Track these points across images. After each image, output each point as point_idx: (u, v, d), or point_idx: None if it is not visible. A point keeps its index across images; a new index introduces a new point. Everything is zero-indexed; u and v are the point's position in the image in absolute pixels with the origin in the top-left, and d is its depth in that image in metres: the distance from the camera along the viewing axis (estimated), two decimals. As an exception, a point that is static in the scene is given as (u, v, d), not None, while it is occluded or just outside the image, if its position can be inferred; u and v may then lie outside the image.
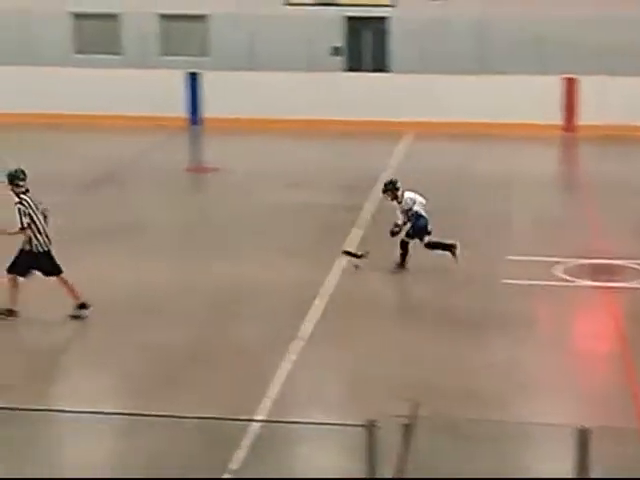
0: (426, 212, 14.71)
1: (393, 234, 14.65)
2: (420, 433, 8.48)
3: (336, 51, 27.85)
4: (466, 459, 9.07)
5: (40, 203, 12.68)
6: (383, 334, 12.45)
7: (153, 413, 9.96)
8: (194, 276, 14.58)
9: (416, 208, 14.55)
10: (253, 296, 13.82)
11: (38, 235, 12.56)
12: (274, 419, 9.98)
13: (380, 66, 27.85)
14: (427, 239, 14.71)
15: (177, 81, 26.22)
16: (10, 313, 12.75)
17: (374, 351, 11.88)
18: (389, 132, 25.00)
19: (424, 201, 14.73)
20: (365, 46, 28.11)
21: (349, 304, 13.49)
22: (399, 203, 14.69)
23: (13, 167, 12.84)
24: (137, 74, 26.36)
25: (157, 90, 25.80)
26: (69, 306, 12.77)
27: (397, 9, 27.50)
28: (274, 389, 10.73)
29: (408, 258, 14.72)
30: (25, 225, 12.44)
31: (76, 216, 17.77)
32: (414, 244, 14.76)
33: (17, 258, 12.71)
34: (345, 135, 25.04)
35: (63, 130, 25.17)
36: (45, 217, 12.68)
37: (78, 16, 27.56)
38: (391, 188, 14.73)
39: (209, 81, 26.23)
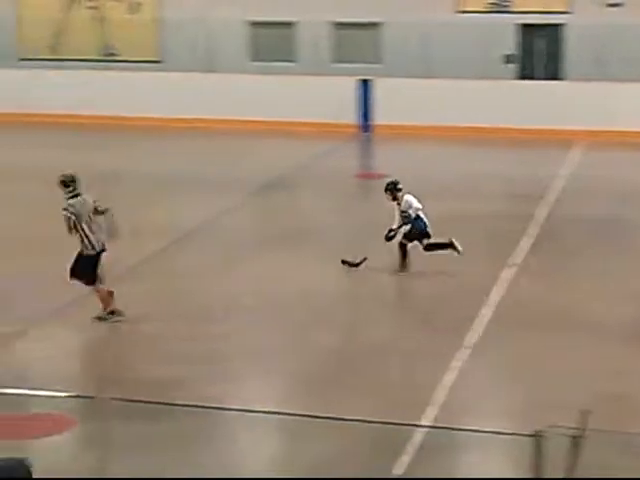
0: (425, 216, 14.75)
1: (388, 239, 14.81)
2: (589, 446, 8.34)
3: (509, 59, 27.58)
4: (634, 476, 8.88)
5: (95, 201, 12.86)
6: (550, 344, 12.28)
7: (320, 415, 10.11)
8: (360, 281, 14.69)
9: (411, 212, 14.64)
10: (419, 303, 13.83)
11: (89, 237, 12.71)
12: (439, 425, 9.98)
13: (553, 74, 27.44)
14: (425, 242, 14.75)
15: (349, 88, 26.44)
16: (113, 313, 12.92)
17: (540, 361, 11.74)
18: (561, 140, 24.63)
19: (420, 206, 14.78)
20: (538, 53, 27.75)
21: (516, 313, 13.35)
22: (398, 204, 14.76)
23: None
24: (310, 81, 26.72)
25: (329, 97, 26.09)
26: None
27: (573, 15, 27.05)
28: (439, 396, 10.72)
29: (408, 260, 14.73)
30: (69, 229, 12.62)
31: (248, 219, 18.17)
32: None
33: (76, 262, 12.86)
34: (516, 143, 24.80)
35: (237, 135, 25.70)
36: (101, 213, 12.82)
37: (255, 24, 28.10)
38: (391, 188, 14.83)
39: (381, 88, 26.36)
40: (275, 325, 13.00)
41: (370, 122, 26.60)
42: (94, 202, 12.90)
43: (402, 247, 14.83)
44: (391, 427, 9.86)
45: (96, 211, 12.87)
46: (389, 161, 23.64)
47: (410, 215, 14.67)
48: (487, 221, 17.97)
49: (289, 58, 28.04)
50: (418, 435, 9.69)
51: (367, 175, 22.59)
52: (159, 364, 11.68)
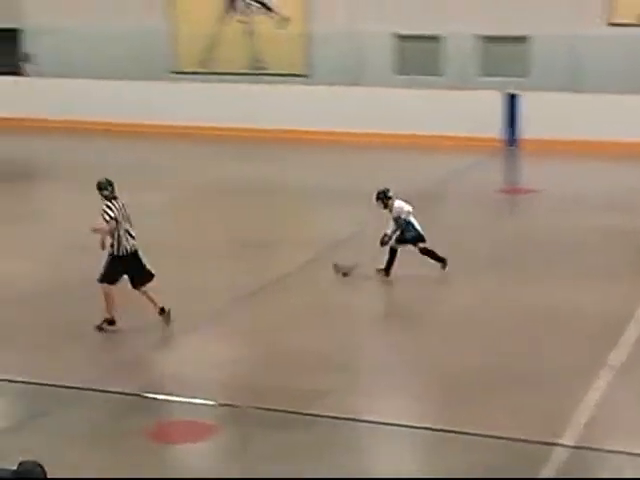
0: (416, 220, 15.17)
1: (383, 244, 15.18)
2: None
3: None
4: None
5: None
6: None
7: (456, 430, 10.11)
8: (504, 297, 14.61)
9: (403, 216, 15.04)
10: (564, 319, 13.68)
11: (123, 240, 13.04)
12: (580, 445, 9.86)
13: None
14: (422, 245, 15.18)
15: (495, 102, 26.29)
16: (110, 323, 13.15)
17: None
18: None
19: (410, 209, 15.17)
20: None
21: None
22: (390, 212, 15.17)
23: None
24: (456, 95, 26.66)
25: (474, 111, 25.99)
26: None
27: None
28: (581, 416, 10.58)
29: (393, 266, 15.07)
30: (107, 219, 12.92)
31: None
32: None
33: (108, 264, 13.14)
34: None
35: (381, 149, 25.81)
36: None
37: (402, 38, 28.19)
38: (382, 197, 15.27)
39: (528, 102, 26.12)
40: (411, 340, 13.04)
41: (516, 136, 26.38)
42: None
43: (392, 251, 15.22)
44: (531, 445, 9.80)
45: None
46: (535, 176, 23.42)
47: (402, 220, 15.10)
48: (635, 236, 17.61)
49: (435, 72, 28.02)
50: (558, 454, 9.60)
51: (512, 190, 22.41)
52: (300, 375, 11.85)
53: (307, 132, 26.94)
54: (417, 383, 11.76)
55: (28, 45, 30.80)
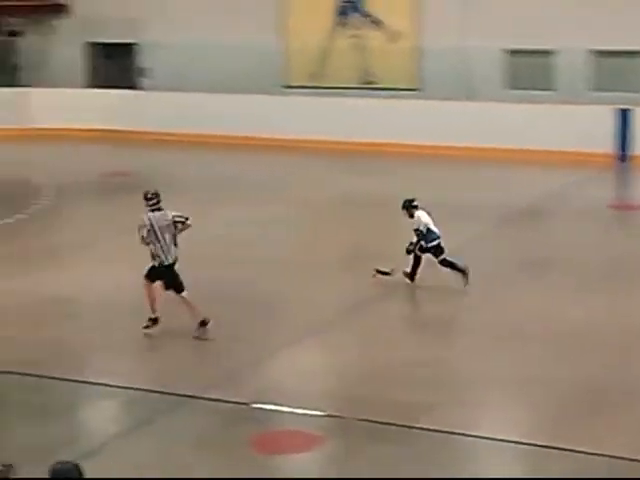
0: (437, 230, 15.43)
1: (408, 252, 15.55)
2: None
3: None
4: None
5: (175, 216, 13.56)
6: None
7: (567, 447, 10.06)
8: (614, 313, 14.47)
9: (421, 227, 15.36)
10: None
11: (159, 251, 13.38)
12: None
13: None
14: (442, 257, 15.42)
15: (607, 117, 26.00)
16: (153, 322, 13.57)
17: None
18: None
19: (429, 220, 15.46)
20: None
21: None
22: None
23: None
24: (567, 109, 26.43)
25: (586, 126, 25.74)
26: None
27: None
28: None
29: (418, 271, 15.43)
30: (140, 238, 13.38)
31: (497, 247, 18.22)
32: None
33: (149, 269, 13.59)
34: None
35: (491, 163, 25.72)
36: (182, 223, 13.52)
37: (513, 52, 28.06)
38: (407, 206, 15.64)
39: (640, 117, 25.80)
40: (518, 354, 13.01)
41: (628, 152, 26.03)
42: (174, 216, 13.61)
43: (416, 258, 15.57)
44: (637, 464, 9.72)
45: (176, 225, 13.56)
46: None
47: (421, 230, 15.41)
48: None
49: (546, 86, 27.81)
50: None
51: (622, 206, 22.14)
52: (404, 387, 11.92)
53: (416, 146, 26.99)
54: (524, 398, 11.74)
55: (144, 59, 31.51)
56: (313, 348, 13.53)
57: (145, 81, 31.48)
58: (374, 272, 15.78)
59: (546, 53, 27.76)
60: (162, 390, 11.74)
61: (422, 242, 15.47)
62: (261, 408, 11.34)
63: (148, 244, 13.54)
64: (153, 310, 13.68)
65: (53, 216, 20.76)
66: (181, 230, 13.73)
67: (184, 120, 29.13)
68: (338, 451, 10.50)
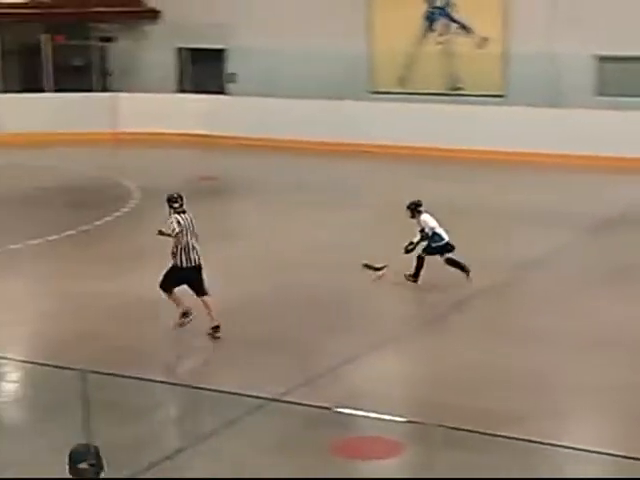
0: (445, 232, 15.91)
1: (407, 251, 15.97)
2: None
3: None
4: None
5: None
6: None
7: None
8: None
9: (427, 230, 15.84)
10: None
11: (184, 252, 13.67)
12: None
13: None
14: (447, 255, 15.89)
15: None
16: (185, 315, 13.92)
17: None
18: None
19: (436, 224, 15.91)
20: None
21: None
22: (418, 223, 16.03)
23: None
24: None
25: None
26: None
27: None
28: None
29: (421, 273, 15.83)
30: (174, 233, 13.68)
31: (585, 255, 18.04)
32: None
33: (168, 272, 13.84)
34: None
35: (578, 170, 25.47)
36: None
37: (603, 59, 27.75)
38: (412, 208, 16.14)
39: None
40: (604, 363, 12.88)
41: None
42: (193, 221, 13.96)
43: (419, 259, 15.94)
44: None
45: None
46: None
47: (427, 233, 15.89)
48: None
49: (638, 93, 27.43)
50: None
51: None
52: (484, 394, 11.89)
53: (502, 153, 26.83)
54: (611, 407, 11.62)
55: (232, 65, 31.82)
56: (392, 354, 13.56)
57: (232, 86, 31.79)
58: (363, 266, 16.21)
59: (637, 59, 27.39)
60: (245, 393, 11.86)
61: (430, 243, 15.88)
62: (342, 412, 11.39)
63: (178, 245, 13.82)
64: (181, 305, 14.03)
65: (140, 219, 21.08)
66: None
67: (271, 125, 29.34)
68: (419, 458, 10.51)
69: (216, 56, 31.89)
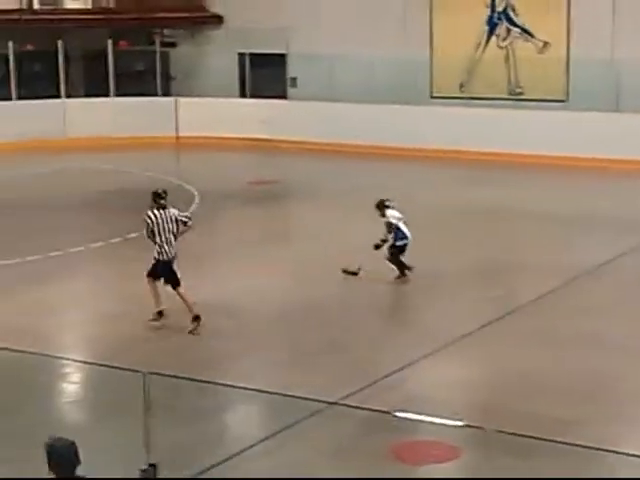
0: (406, 227, 16.32)
1: (377, 247, 16.36)
2: None
3: None
4: None
5: (181, 214, 14.82)
6: None
7: None
8: None
9: (393, 222, 16.30)
10: None
11: (161, 246, 14.51)
12: None
13: None
14: (401, 257, 16.35)
15: None
16: (159, 314, 14.62)
17: None
18: None
19: (401, 216, 16.42)
20: None
21: None
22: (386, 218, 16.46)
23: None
24: None
25: None
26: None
27: None
28: None
29: (404, 267, 16.29)
30: (146, 235, 14.65)
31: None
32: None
33: (153, 265, 14.70)
34: None
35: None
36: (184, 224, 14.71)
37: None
38: (379, 205, 16.60)
39: None
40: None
41: None
42: (180, 215, 14.81)
43: (394, 260, 16.40)
44: None
45: (178, 223, 14.69)
46: None
47: (392, 223, 16.34)
48: None
49: None
50: None
51: None
52: (544, 400, 11.85)
53: (564, 158, 26.67)
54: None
55: (293, 69, 31.96)
56: (451, 358, 13.55)
57: (293, 91, 31.92)
58: (342, 273, 16.53)
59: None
60: (305, 396, 11.92)
61: (394, 241, 16.30)
62: (401, 417, 11.40)
63: (153, 240, 14.63)
64: (158, 304, 14.65)
65: (200, 222, 21.19)
66: (183, 232, 14.83)
67: (330, 130, 29.42)
68: (477, 463, 10.50)
69: (277, 61, 32.05)
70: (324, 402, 11.77)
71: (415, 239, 17.81)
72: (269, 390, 12.20)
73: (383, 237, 16.43)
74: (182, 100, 31.76)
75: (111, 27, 33.08)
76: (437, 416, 11.28)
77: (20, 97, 31.24)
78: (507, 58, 29.50)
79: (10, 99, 31.30)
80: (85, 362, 13.47)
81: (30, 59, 32.19)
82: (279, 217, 22.75)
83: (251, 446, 10.93)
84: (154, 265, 14.75)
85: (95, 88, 32.53)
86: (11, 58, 31.12)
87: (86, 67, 33.95)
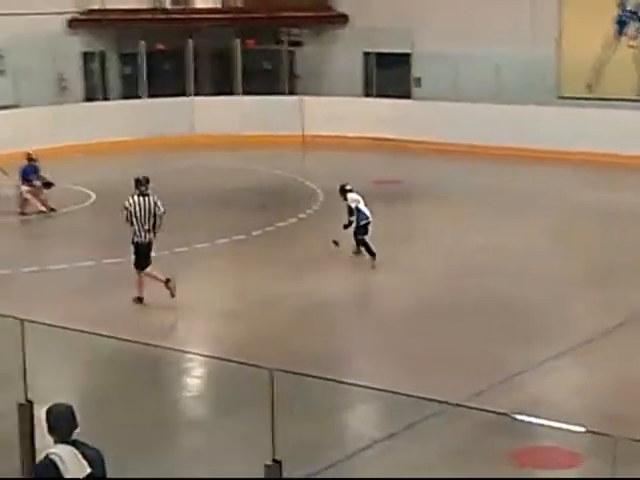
0: (366, 208, 17.80)
1: (345, 227, 17.98)
2: None
3: None
4: None
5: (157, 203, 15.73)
6: None
7: None
8: None
9: (353, 205, 17.84)
10: None
11: (138, 230, 15.59)
12: None
13: None
14: (364, 237, 17.70)
15: None
16: (139, 300, 15.67)
17: None
18: None
19: (359, 198, 18.05)
20: None
21: None
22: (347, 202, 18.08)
23: None
24: None
25: None
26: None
27: None
28: None
29: (371, 247, 17.49)
30: (124, 218, 15.63)
31: None
32: None
33: (134, 254, 15.76)
34: None
35: None
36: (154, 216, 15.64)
37: None
38: (341, 190, 18.42)
39: None
40: None
41: None
42: (157, 204, 15.74)
43: (362, 242, 17.75)
44: None
45: (156, 211, 15.69)
46: None
47: (352, 207, 17.85)
48: None
49: None
50: None
51: None
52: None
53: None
54: None
55: (417, 69, 31.93)
56: (573, 363, 13.42)
57: (417, 90, 31.89)
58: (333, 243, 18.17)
59: None
60: (424, 396, 11.94)
61: (358, 223, 17.68)
62: (521, 420, 11.33)
63: (131, 224, 15.66)
64: (140, 291, 15.75)
65: (323, 222, 21.43)
66: (159, 225, 15.82)
67: (454, 130, 29.31)
68: (598, 471, 10.37)
69: (402, 60, 32.06)
70: (444, 403, 11.76)
71: (545, 241, 17.75)
72: (389, 390, 12.27)
73: (347, 220, 17.93)
74: (307, 99, 32.01)
75: (239, 26, 33.55)
76: (557, 420, 11.19)
77: (150, 95, 31.92)
78: (637, 58, 28.96)
79: (140, 97, 32.01)
80: (209, 356, 13.70)
81: (160, 58, 32.88)
82: (403, 217, 22.78)
83: (370, 445, 11.01)
84: (135, 253, 15.82)
85: (222, 86, 33.05)
86: (142, 57, 31.81)
87: (214, 65, 34.52)
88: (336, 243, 18.16)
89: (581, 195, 23.64)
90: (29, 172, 22.38)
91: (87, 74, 32.86)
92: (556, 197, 23.53)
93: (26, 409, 9.51)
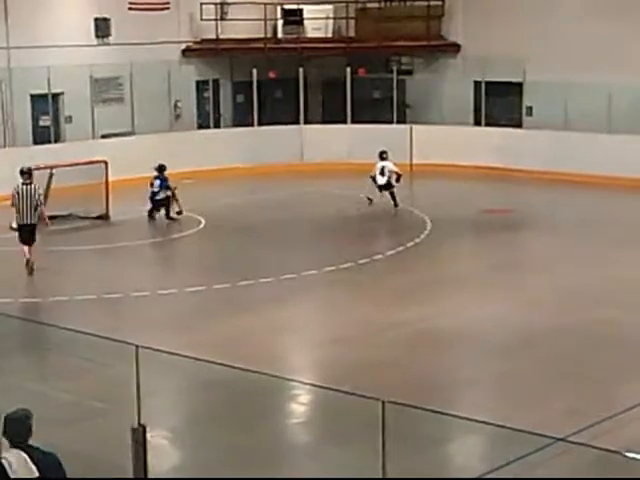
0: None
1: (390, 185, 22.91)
2: None
3: None
4: None
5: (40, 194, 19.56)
6: None
7: None
8: None
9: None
10: None
11: (18, 214, 19.15)
12: None
13: None
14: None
15: None
16: (27, 263, 18.91)
17: None
18: None
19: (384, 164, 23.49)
20: None
21: None
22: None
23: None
24: None
25: None
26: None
27: None
28: None
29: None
30: (12, 204, 19.18)
31: None
32: None
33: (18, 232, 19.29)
34: None
35: None
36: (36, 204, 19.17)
37: None
38: (381, 154, 24.84)
39: None
40: None
41: None
42: (39, 195, 19.44)
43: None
44: None
45: (37, 198, 19.25)
46: None
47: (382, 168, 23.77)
48: None
49: None
50: None
51: None
52: None
53: None
54: None
55: (528, 98, 31.71)
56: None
57: (528, 119, 31.67)
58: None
59: None
60: (531, 430, 11.81)
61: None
62: (634, 458, 11.13)
63: (16, 208, 19.09)
64: (25, 255, 19.05)
65: (431, 250, 21.42)
66: (41, 212, 19.26)
67: (566, 159, 29.03)
68: None
69: (513, 89, 31.89)
70: (551, 437, 11.62)
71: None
72: (496, 423, 12.16)
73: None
74: (417, 127, 32.05)
75: (350, 55, 33.78)
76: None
77: (260, 123, 32.32)
78: None
79: (252, 125, 32.41)
80: (318, 386, 13.74)
81: (271, 86, 33.30)
82: (514, 246, 22.62)
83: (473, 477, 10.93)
84: (18, 231, 19.19)
85: (333, 115, 33.29)
86: (254, 85, 32.24)
87: (324, 94, 34.80)
88: (370, 200, 21.14)
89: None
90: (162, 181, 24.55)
91: (200, 102, 33.44)
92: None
93: (139, 433, 9.71)
